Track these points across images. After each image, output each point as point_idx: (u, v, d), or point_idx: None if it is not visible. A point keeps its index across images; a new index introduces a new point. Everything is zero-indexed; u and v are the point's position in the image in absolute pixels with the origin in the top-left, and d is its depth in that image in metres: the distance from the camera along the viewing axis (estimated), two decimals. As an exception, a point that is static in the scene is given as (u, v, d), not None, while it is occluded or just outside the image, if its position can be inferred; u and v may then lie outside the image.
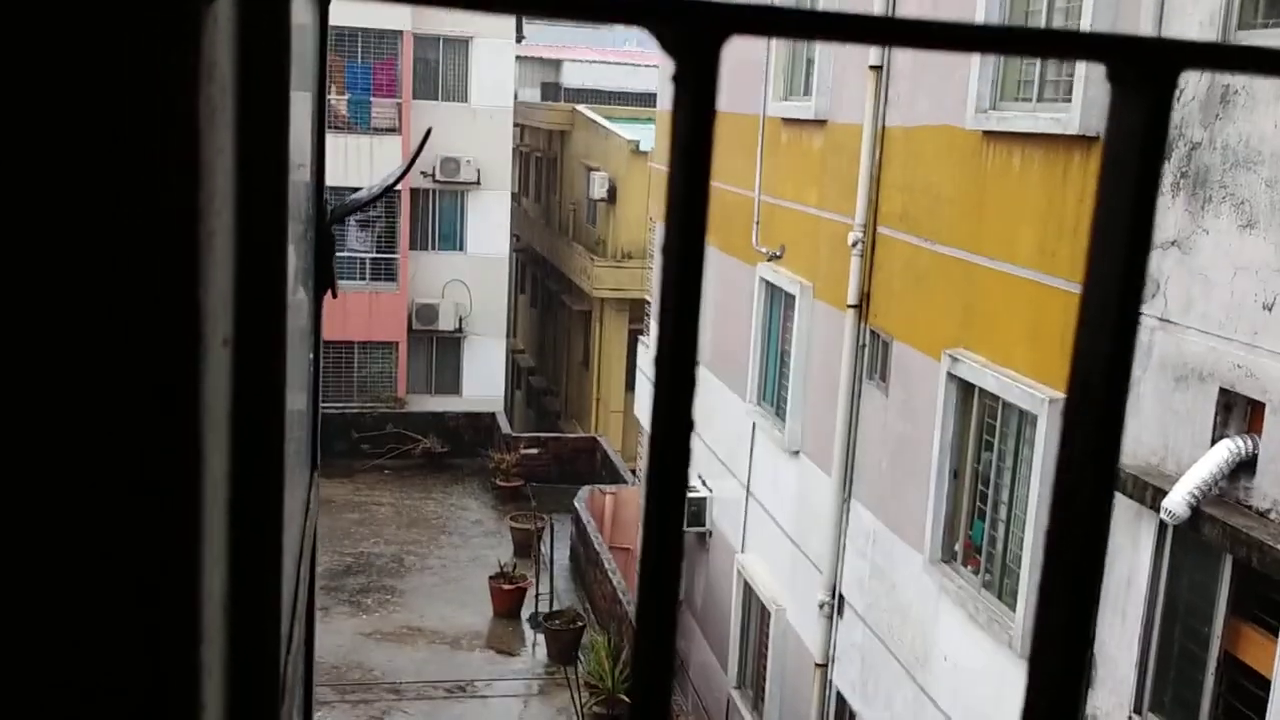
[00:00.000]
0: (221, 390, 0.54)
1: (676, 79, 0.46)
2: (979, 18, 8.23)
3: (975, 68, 8.26)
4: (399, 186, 24.89)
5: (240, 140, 0.56)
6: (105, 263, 0.42)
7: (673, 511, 0.49)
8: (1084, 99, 7.03)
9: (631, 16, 0.44)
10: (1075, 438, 0.51)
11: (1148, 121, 0.48)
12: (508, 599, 17.28)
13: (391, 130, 24.96)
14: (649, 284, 17.65)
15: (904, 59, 9.59)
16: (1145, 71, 0.48)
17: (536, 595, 17.22)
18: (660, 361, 0.47)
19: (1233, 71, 0.50)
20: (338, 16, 25.55)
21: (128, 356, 0.42)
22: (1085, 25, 7.08)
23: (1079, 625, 0.51)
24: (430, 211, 26.36)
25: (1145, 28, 6.49)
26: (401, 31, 24.87)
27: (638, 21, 0.45)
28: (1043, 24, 7.76)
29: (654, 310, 17.32)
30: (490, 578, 17.51)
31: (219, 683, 0.57)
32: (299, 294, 1.31)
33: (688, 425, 0.49)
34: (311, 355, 1.54)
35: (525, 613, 17.34)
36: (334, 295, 1.58)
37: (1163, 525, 6.20)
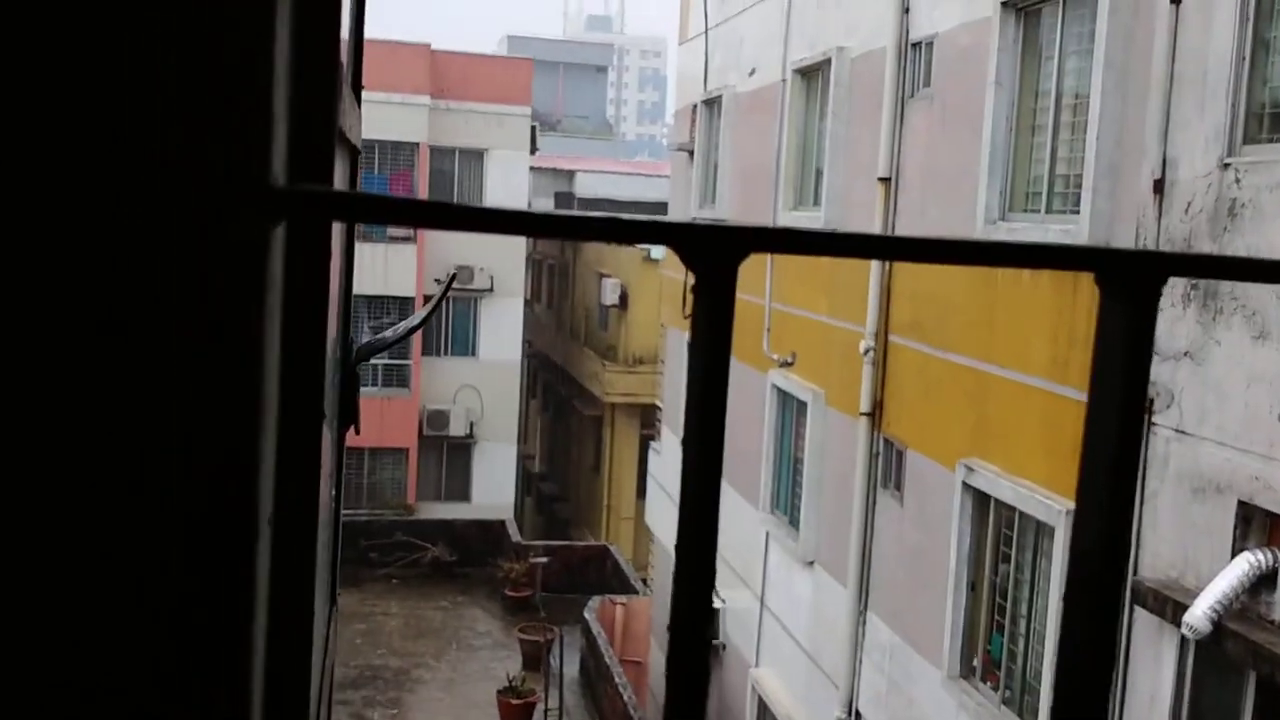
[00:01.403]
0: (264, 569, 0.57)
1: (696, 290, 0.50)
2: (983, 160, 8.40)
3: (984, 178, 8.41)
4: (413, 294, 25.18)
5: (286, 333, 0.60)
6: (179, 462, 0.45)
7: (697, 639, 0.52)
8: (1092, 210, 7.14)
9: (658, 238, 0.49)
10: (1072, 634, 0.53)
11: (1133, 326, 0.51)
12: (516, 715, 16.93)
13: (407, 240, 25.36)
14: (660, 390, 17.70)
15: (913, 170, 9.78)
16: (1130, 280, 0.52)
17: (546, 710, 16.88)
18: (680, 558, 0.50)
19: (1215, 278, 0.53)
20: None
21: (189, 539, 0.45)
22: (1090, 143, 7.22)
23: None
24: (444, 318, 26.61)
25: (1151, 146, 6.61)
26: (418, 144, 25.44)
27: (664, 243, 0.49)
28: (1048, 153, 7.92)
29: (663, 436, 17.16)
30: (498, 692, 17.18)
31: None
32: (325, 436, 1.35)
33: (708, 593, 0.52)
34: (334, 492, 1.57)
35: (535, 726, 16.97)
36: (357, 432, 1.61)
37: (1184, 640, 6.10)
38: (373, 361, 25.78)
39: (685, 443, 0.50)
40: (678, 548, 0.50)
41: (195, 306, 0.45)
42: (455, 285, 26.04)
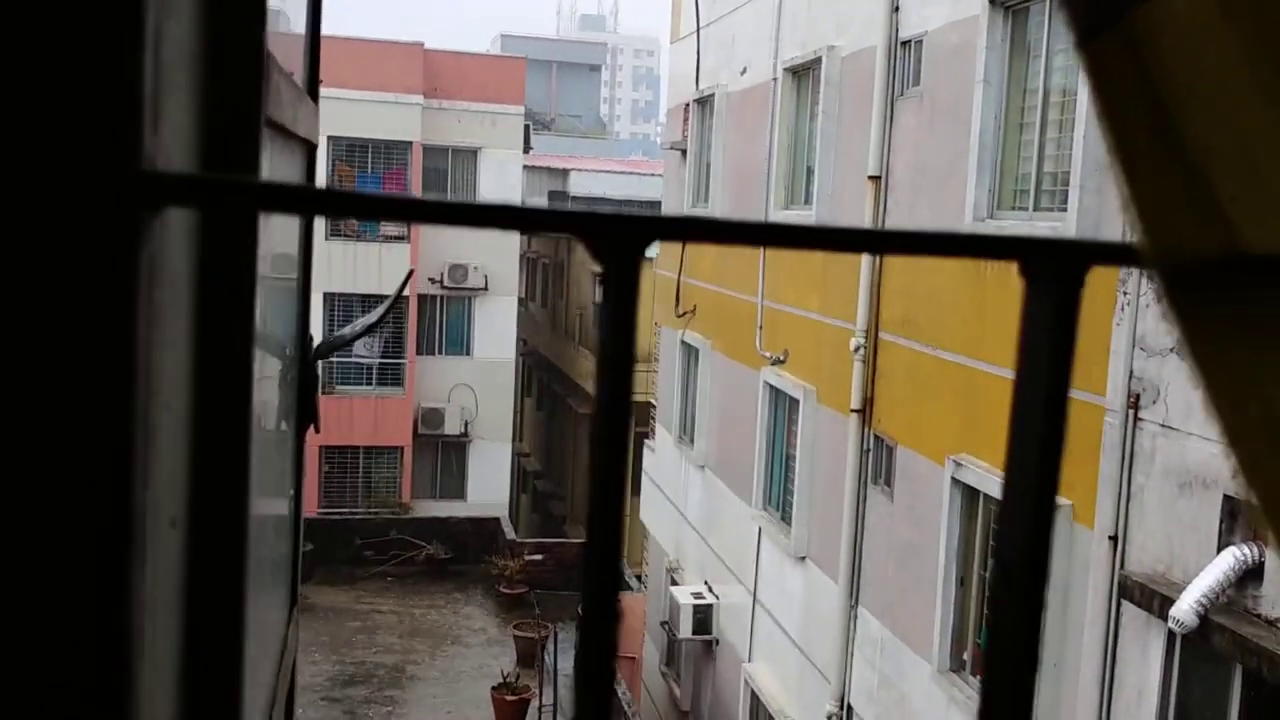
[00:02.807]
0: (169, 571, 0.55)
1: (602, 281, 0.49)
2: (971, 157, 8.40)
3: (972, 175, 8.41)
4: (407, 293, 25.15)
5: (200, 326, 0.59)
6: (35, 457, 0.43)
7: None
8: (1080, 207, 7.14)
9: (563, 228, 0.47)
10: (1002, 628, 0.52)
11: (1058, 316, 0.50)
12: (511, 711, 16.94)
13: (400, 239, 25.32)
14: (653, 388, 17.69)
15: (903, 168, 9.77)
16: (1055, 269, 0.50)
17: (540, 707, 16.88)
18: (589, 554, 0.49)
19: (1141, 269, 0.52)
20: (348, 127, 25.98)
21: (53, 547, 0.44)
22: (1078, 140, 7.22)
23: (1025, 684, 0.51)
24: (437, 317, 26.59)
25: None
26: (411, 142, 25.40)
27: (571, 233, 0.48)
28: (1036, 150, 7.92)
29: (657, 433, 17.22)
30: (493, 688, 17.18)
31: None
32: (279, 432, 1.33)
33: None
34: (293, 492, 1.56)
35: (529, 724, 16.96)
36: (316, 430, 1.60)
37: (1171, 635, 6.10)
38: (367, 361, 25.75)
39: (591, 436, 0.49)
40: (584, 565, 0.48)
41: (52, 296, 0.43)
42: (450, 284, 26.02)
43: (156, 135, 0.48)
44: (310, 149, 1.50)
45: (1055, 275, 0.50)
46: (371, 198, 0.46)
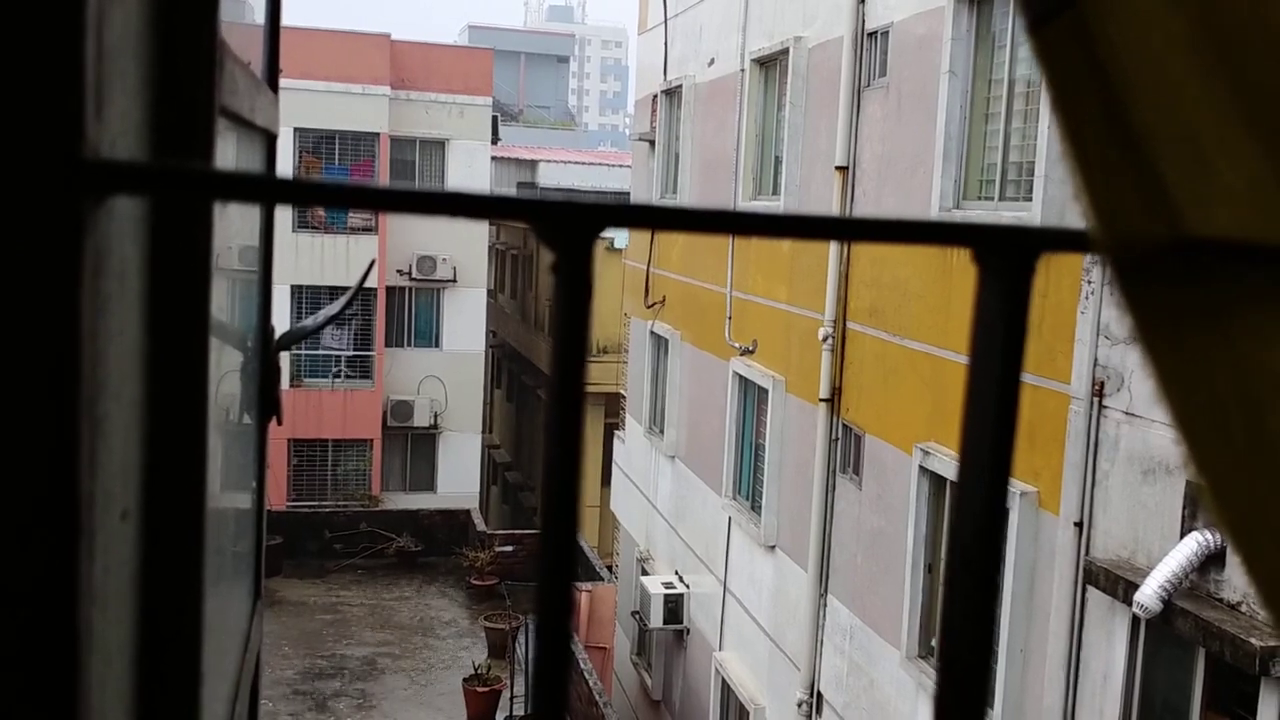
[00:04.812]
0: (121, 560, 0.55)
1: (554, 269, 0.49)
2: (937, 148, 8.45)
3: (939, 165, 8.45)
4: (375, 285, 25.01)
5: (153, 322, 0.58)
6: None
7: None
8: (1044, 197, 7.20)
9: (516, 215, 0.47)
10: (954, 603, 0.52)
11: (1009, 302, 0.50)
12: (482, 702, 16.92)
13: (367, 230, 25.17)
14: (623, 379, 17.70)
15: (870, 159, 9.81)
16: (1006, 256, 0.51)
17: (512, 697, 16.88)
18: (544, 537, 0.49)
19: (1092, 255, 0.52)
20: (315, 119, 25.78)
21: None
22: (1043, 131, 7.27)
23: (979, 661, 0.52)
24: (406, 309, 26.47)
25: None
26: (379, 134, 25.24)
27: (521, 220, 0.47)
28: (1001, 140, 7.97)
29: (627, 424, 17.24)
30: (464, 680, 17.16)
31: None
32: (240, 424, 1.32)
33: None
34: (255, 484, 1.54)
35: (500, 716, 16.96)
36: (279, 423, 1.59)
37: (1136, 620, 6.18)
38: (335, 352, 25.60)
39: (546, 426, 0.49)
40: (541, 541, 0.48)
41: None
42: (418, 276, 25.89)
43: (100, 123, 0.47)
44: (270, 140, 1.48)
45: (1007, 262, 0.51)
46: (321, 184, 0.45)
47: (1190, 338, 0.49)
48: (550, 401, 0.49)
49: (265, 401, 1.45)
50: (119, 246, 0.51)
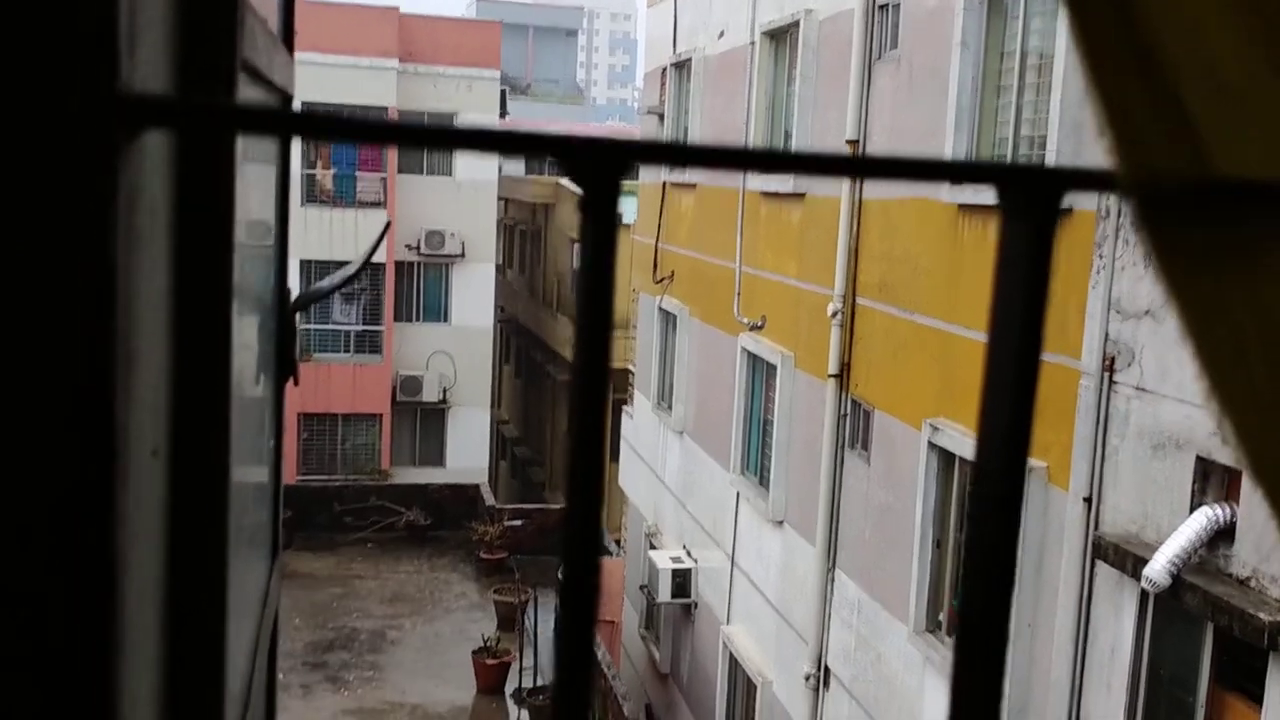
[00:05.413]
0: (151, 499, 0.56)
1: (582, 206, 0.49)
2: (948, 120, 8.40)
3: (950, 138, 8.41)
4: (383, 260, 25.01)
5: (180, 257, 0.59)
6: (14, 389, 0.43)
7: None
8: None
9: (542, 152, 0.47)
10: (974, 558, 0.53)
11: (1034, 243, 0.50)
12: (491, 674, 17.04)
13: (377, 204, 25.15)
14: (632, 355, 17.71)
15: (880, 131, 9.76)
16: (1031, 196, 0.51)
17: (520, 670, 16.99)
18: (572, 473, 0.49)
19: (1116, 194, 0.52)
20: (323, 93, 25.71)
21: (37, 478, 0.44)
22: (1054, 103, 7.23)
23: (998, 638, 0.52)
24: (415, 284, 26.48)
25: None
26: (386, 108, 25.18)
27: (548, 156, 0.48)
28: (1013, 113, 7.92)
29: (635, 400, 17.22)
30: (474, 652, 17.28)
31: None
32: (259, 382, 1.33)
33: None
34: (273, 442, 1.56)
35: (509, 688, 17.09)
36: (295, 383, 1.59)
37: (1144, 594, 6.19)
38: (344, 327, 25.64)
39: (572, 368, 0.49)
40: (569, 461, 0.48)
41: (31, 218, 0.43)
42: (427, 251, 25.88)
43: (133, 61, 0.47)
44: (286, 100, 1.48)
45: (1032, 201, 0.51)
46: (347, 121, 0.46)
47: (1213, 275, 0.49)
48: (578, 338, 0.50)
49: (283, 361, 1.46)
50: (149, 185, 0.52)
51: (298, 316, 1.71)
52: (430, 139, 0.45)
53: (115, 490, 0.44)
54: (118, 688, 0.48)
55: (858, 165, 0.49)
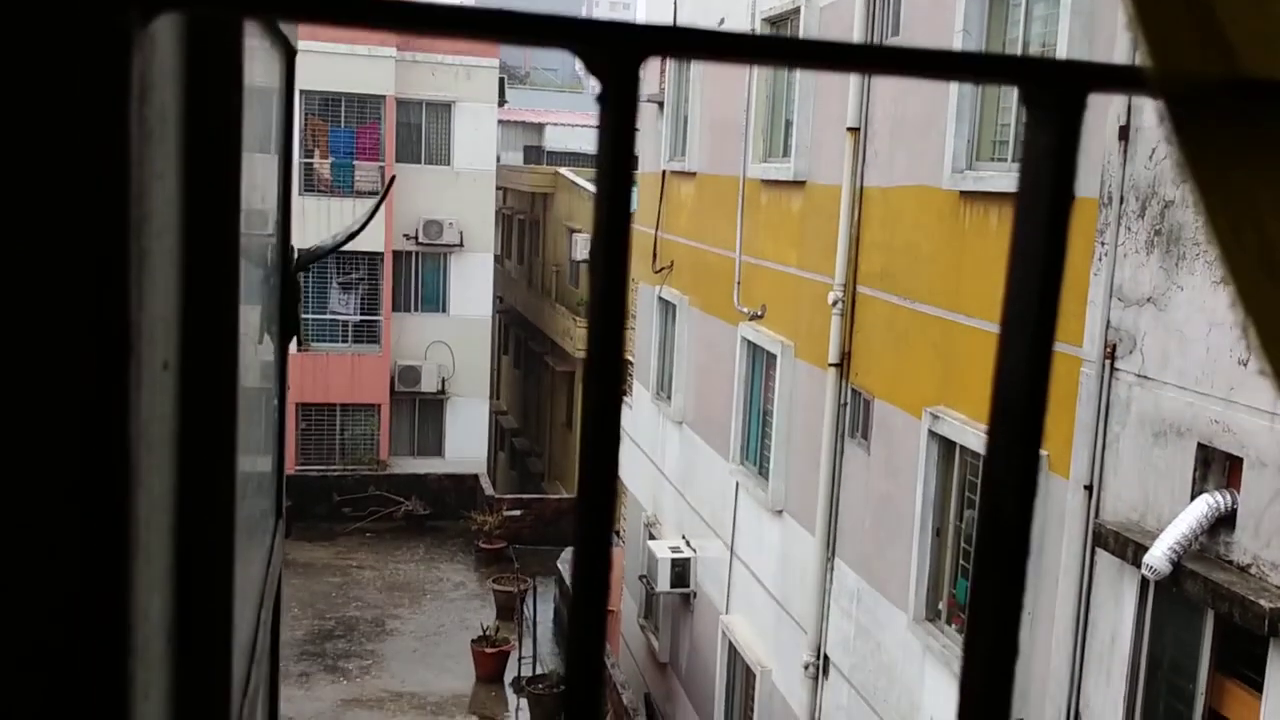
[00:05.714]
0: (163, 412, 0.55)
1: (600, 97, 0.48)
2: (950, 108, 8.38)
3: (951, 127, 8.39)
4: (381, 250, 24.98)
5: (188, 168, 0.58)
6: (27, 276, 0.43)
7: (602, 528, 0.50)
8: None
9: (555, 39, 0.46)
10: (997, 455, 0.52)
11: (1060, 141, 0.50)
12: (490, 663, 17.06)
13: (375, 193, 25.10)
14: (631, 345, 17.70)
15: (882, 119, 9.74)
16: (1056, 92, 0.50)
17: (520, 659, 17.01)
18: (589, 368, 0.48)
19: (1143, 93, 0.51)
20: (321, 81, 25.65)
21: (50, 369, 0.43)
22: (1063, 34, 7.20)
23: (1008, 636, 0.52)
24: (413, 274, 26.46)
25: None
26: (385, 96, 25.13)
27: (562, 44, 0.47)
28: (1015, 101, 7.90)
29: (634, 390, 17.19)
30: (473, 641, 17.30)
31: (159, 707, 0.57)
32: (264, 338, 1.32)
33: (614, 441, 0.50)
34: (277, 402, 1.55)
35: (508, 677, 17.10)
36: (299, 345, 1.59)
37: (1145, 581, 6.19)
38: (342, 317, 25.62)
39: (591, 269, 0.48)
40: (585, 367, 0.48)
41: (45, 99, 0.42)
42: (425, 240, 25.85)
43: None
44: (290, 54, 1.47)
45: (1057, 97, 0.50)
46: (355, 1, 0.44)
47: (1238, 175, 0.48)
48: (594, 240, 0.49)
49: (286, 320, 1.46)
50: (160, 86, 0.51)
51: (300, 277, 1.70)
52: (436, 23, 0.44)
53: (129, 383, 0.43)
54: (130, 582, 0.47)
55: (875, 57, 0.48)
